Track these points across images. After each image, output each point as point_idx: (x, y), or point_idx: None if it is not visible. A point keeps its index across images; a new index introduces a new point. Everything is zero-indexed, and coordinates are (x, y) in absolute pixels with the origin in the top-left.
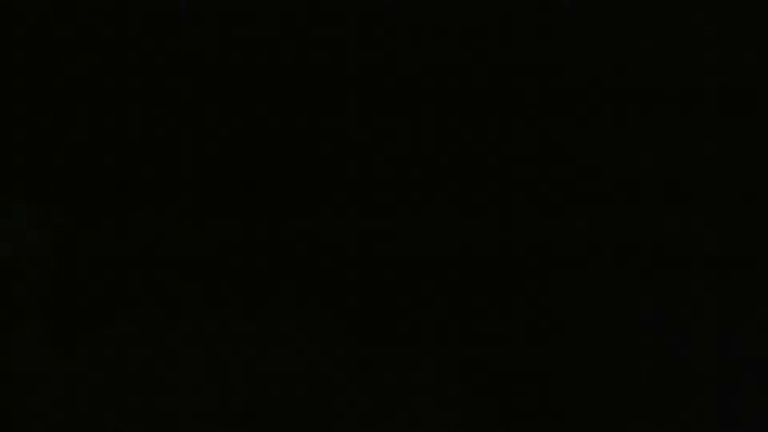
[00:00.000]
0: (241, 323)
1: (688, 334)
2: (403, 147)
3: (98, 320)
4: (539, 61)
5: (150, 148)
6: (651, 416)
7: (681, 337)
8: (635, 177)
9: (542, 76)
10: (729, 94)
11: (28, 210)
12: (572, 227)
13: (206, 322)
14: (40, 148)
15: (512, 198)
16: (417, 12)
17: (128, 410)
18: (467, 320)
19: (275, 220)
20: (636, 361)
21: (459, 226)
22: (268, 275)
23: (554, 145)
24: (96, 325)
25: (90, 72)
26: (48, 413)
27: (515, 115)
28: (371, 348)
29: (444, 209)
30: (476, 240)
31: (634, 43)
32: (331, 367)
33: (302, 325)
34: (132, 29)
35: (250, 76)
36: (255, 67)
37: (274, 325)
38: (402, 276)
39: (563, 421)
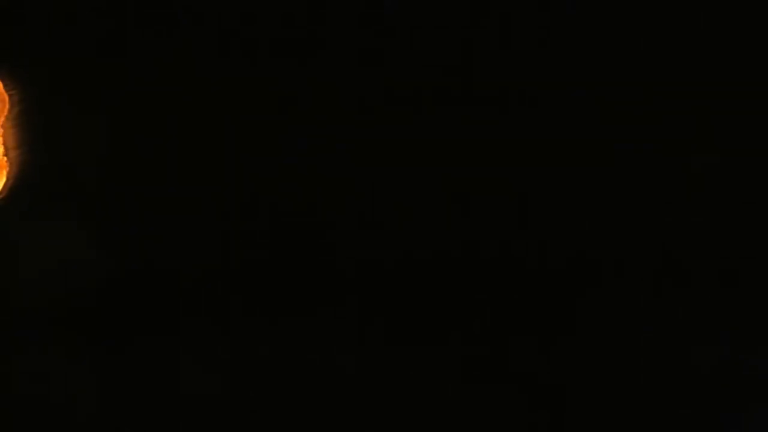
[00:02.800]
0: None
1: (688, 335)
2: (403, 145)
3: (121, 337)
4: (539, 60)
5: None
6: (652, 416)
7: (682, 339)
8: (635, 177)
9: (542, 75)
10: (729, 96)
11: (67, 229)
12: (572, 229)
13: (216, 328)
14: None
15: (512, 197)
16: (417, 12)
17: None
18: (470, 320)
19: (276, 222)
20: (637, 361)
21: (460, 226)
22: (278, 283)
23: (555, 142)
24: (119, 341)
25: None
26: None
27: (514, 113)
28: (374, 349)
29: (446, 208)
30: (477, 240)
31: (634, 43)
32: (336, 367)
33: (309, 330)
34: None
35: (250, 78)
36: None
37: (283, 332)
38: (402, 276)
39: (563, 421)
